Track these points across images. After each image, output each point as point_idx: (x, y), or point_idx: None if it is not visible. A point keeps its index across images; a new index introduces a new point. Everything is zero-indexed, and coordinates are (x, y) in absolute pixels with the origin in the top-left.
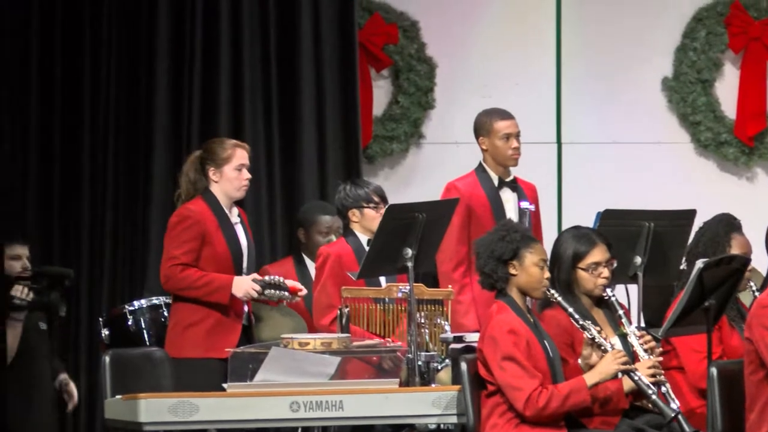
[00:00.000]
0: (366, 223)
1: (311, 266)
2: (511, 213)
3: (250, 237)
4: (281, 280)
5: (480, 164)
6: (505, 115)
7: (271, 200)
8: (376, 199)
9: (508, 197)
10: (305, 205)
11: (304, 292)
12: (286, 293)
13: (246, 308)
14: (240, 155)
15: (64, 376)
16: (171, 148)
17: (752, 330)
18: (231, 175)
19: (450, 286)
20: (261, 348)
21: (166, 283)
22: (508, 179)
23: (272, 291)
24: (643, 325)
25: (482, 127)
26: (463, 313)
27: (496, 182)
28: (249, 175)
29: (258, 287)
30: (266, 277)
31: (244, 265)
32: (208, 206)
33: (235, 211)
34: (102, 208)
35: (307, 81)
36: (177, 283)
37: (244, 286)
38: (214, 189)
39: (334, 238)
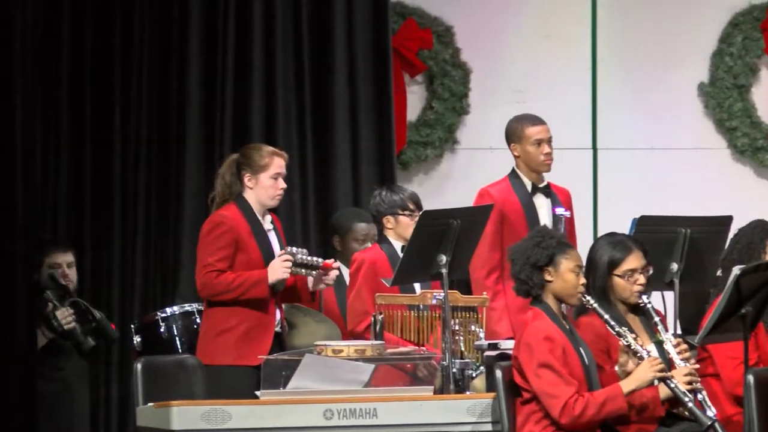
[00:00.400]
0: (400, 230)
1: (346, 273)
2: (545, 219)
3: (284, 244)
4: (304, 250)
5: (513, 170)
6: (537, 120)
7: (304, 206)
8: (411, 206)
9: (541, 203)
10: (340, 211)
11: (337, 264)
12: (316, 259)
13: (279, 315)
14: (277, 163)
15: None
16: (203, 156)
17: None
18: (267, 183)
19: (484, 293)
20: (294, 355)
21: (203, 291)
22: (541, 185)
23: (302, 257)
24: (679, 332)
25: (514, 133)
26: (496, 320)
27: (529, 188)
28: (285, 185)
29: (288, 257)
30: (288, 248)
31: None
32: (241, 213)
33: (268, 217)
34: (134, 215)
35: (341, 87)
36: (213, 289)
37: (275, 269)
38: (248, 195)
39: (369, 245)
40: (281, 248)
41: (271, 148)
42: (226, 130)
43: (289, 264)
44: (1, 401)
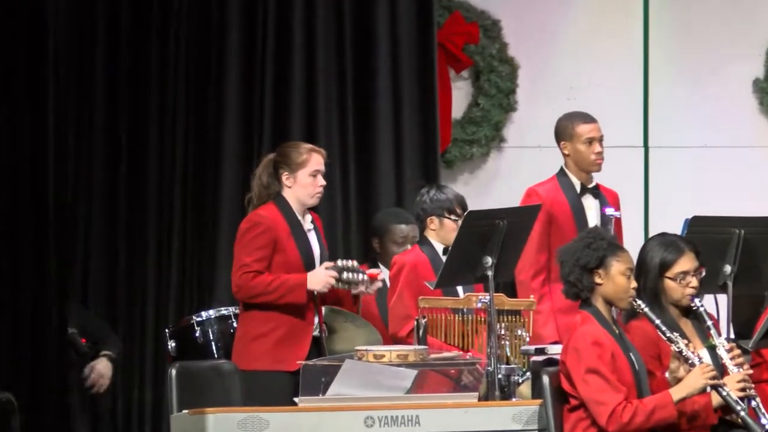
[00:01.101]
0: (443, 233)
1: (386, 276)
2: (593, 220)
3: (324, 244)
4: (355, 264)
5: (561, 169)
6: (588, 118)
7: (345, 207)
8: (459, 210)
9: (590, 204)
10: (379, 212)
11: (383, 275)
12: (363, 275)
13: (317, 319)
14: (316, 160)
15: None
16: (241, 155)
17: None
18: (305, 181)
19: (531, 296)
20: (334, 360)
21: (238, 292)
22: (590, 185)
23: (349, 275)
24: (732, 336)
25: (564, 131)
26: (542, 324)
27: (578, 188)
28: (324, 182)
29: (334, 273)
30: (339, 262)
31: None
32: (280, 212)
33: (309, 217)
34: (169, 216)
35: (384, 83)
36: (249, 291)
37: (320, 277)
38: (287, 194)
39: (409, 247)
40: (321, 249)
41: (309, 145)
42: (265, 130)
43: (333, 280)
44: None
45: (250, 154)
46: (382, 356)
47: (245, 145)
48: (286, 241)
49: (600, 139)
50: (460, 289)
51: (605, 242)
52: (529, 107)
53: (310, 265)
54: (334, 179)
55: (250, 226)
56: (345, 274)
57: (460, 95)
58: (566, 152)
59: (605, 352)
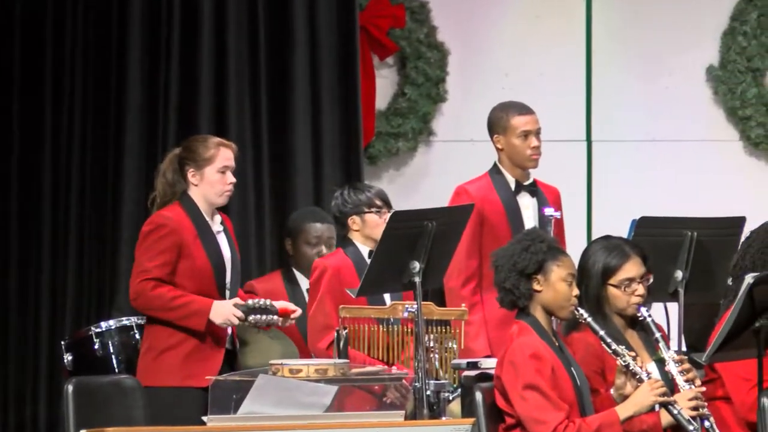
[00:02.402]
0: (368, 230)
1: (302, 281)
2: (530, 221)
3: (236, 248)
4: (269, 303)
5: (495, 165)
6: (524, 109)
7: (258, 207)
8: (378, 202)
9: (526, 203)
10: (295, 212)
11: (298, 312)
12: (275, 317)
13: (230, 331)
14: (224, 155)
15: None
16: (144, 150)
17: None
18: (213, 178)
19: (462, 304)
20: (246, 375)
21: (136, 300)
22: (526, 182)
23: (258, 316)
24: (684, 349)
25: (497, 123)
26: (472, 336)
27: (513, 186)
28: (234, 179)
29: (240, 313)
30: (249, 301)
31: (227, 280)
32: (185, 213)
33: (218, 218)
34: (65, 216)
35: (301, 70)
36: (148, 302)
37: (223, 312)
38: (194, 193)
39: (324, 249)
40: (232, 253)
41: (217, 139)
42: (170, 123)
43: (236, 320)
44: None
45: (153, 149)
46: (299, 371)
47: (148, 140)
48: (193, 244)
49: (537, 133)
50: (387, 296)
51: (545, 245)
52: (460, 97)
53: (220, 271)
54: (246, 177)
55: (152, 228)
56: (252, 317)
57: (385, 84)
58: (500, 146)
59: (545, 366)
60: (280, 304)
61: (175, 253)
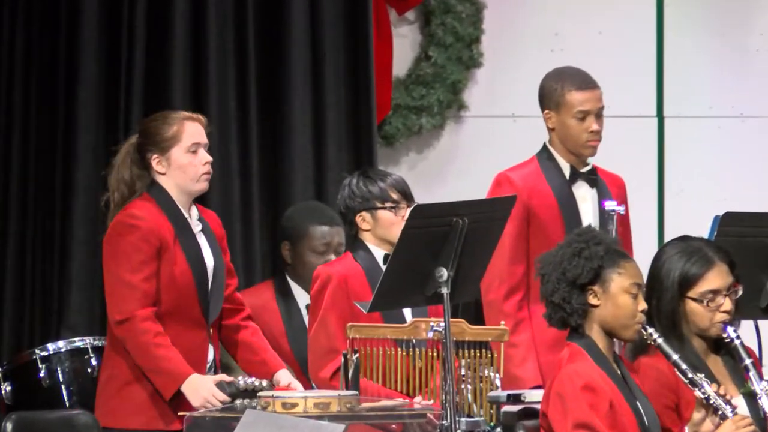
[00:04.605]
0: (381, 231)
1: (300, 295)
2: (589, 217)
3: (221, 252)
4: (265, 384)
5: (545, 147)
6: (585, 82)
7: (245, 200)
8: (395, 196)
9: (584, 194)
10: (291, 208)
11: (294, 386)
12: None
13: (211, 357)
14: (192, 131)
15: None
16: (101, 131)
17: None
18: (183, 161)
19: (502, 322)
20: (230, 411)
21: (123, 324)
22: (584, 169)
23: (245, 401)
24: None
25: (550, 95)
26: (518, 361)
27: (567, 173)
28: (209, 157)
29: (223, 396)
30: (240, 380)
31: (209, 293)
32: (159, 208)
33: (195, 212)
34: (3, 220)
35: (299, 30)
36: (131, 332)
37: (201, 391)
38: (164, 183)
39: (333, 257)
40: (216, 260)
41: (180, 113)
42: (133, 102)
43: (217, 403)
44: None
45: (113, 135)
46: (295, 405)
47: (107, 123)
48: (172, 247)
49: (598, 113)
50: (407, 312)
51: (602, 248)
52: (498, 62)
53: (202, 281)
54: (230, 163)
55: (124, 231)
56: (240, 401)
57: (405, 46)
58: (551, 125)
59: (601, 400)
60: (288, 378)
61: (156, 263)
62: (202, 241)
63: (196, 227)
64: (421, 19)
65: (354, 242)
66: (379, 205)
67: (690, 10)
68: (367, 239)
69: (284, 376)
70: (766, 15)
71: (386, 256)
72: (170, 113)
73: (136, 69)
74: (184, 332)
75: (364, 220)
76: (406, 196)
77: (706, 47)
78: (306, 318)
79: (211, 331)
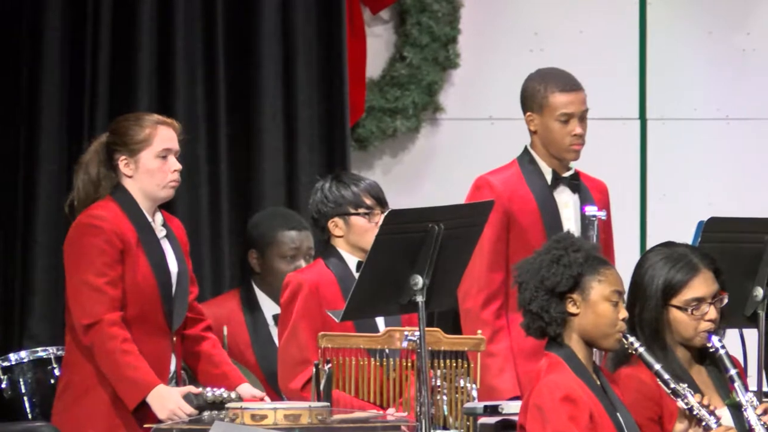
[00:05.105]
0: (354, 237)
1: (267, 306)
2: (571, 223)
3: (185, 259)
4: (233, 396)
5: (526, 151)
6: (569, 84)
7: (213, 205)
8: (369, 201)
9: (566, 200)
10: (257, 215)
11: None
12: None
13: (174, 365)
14: (164, 136)
15: None
16: (64, 132)
17: None
18: (151, 166)
19: (479, 331)
20: (197, 423)
21: (91, 327)
22: (566, 174)
23: (213, 413)
24: (766, 389)
25: (532, 97)
26: (496, 372)
27: (549, 178)
28: (179, 165)
29: (190, 409)
30: (208, 392)
31: (172, 301)
32: (122, 211)
33: (160, 218)
34: None
35: (269, 28)
36: (101, 337)
37: (167, 404)
38: (129, 187)
39: (304, 264)
40: (181, 267)
41: (154, 116)
42: (99, 104)
43: (183, 416)
44: None
45: (77, 135)
46: (264, 417)
47: (70, 121)
48: (135, 252)
49: (582, 116)
50: (380, 321)
51: (581, 255)
52: (476, 63)
53: (165, 287)
54: (198, 166)
55: (86, 232)
56: (208, 413)
57: (379, 45)
58: (533, 128)
59: (580, 412)
60: (250, 390)
61: (120, 266)
62: (166, 246)
63: (160, 233)
64: (395, 19)
65: (326, 249)
66: (353, 210)
67: (674, 10)
68: (340, 246)
69: (246, 390)
70: (751, 15)
71: (359, 264)
72: (144, 115)
73: (101, 71)
74: (147, 339)
75: (336, 226)
76: (381, 201)
77: (690, 48)
78: (273, 329)
79: (174, 339)
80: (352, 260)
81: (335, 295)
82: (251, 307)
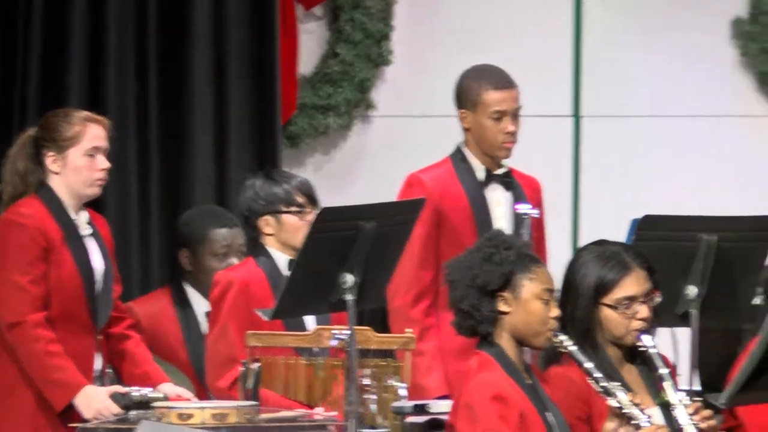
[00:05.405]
0: (285, 235)
1: (198, 303)
2: (502, 220)
3: (110, 258)
4: (161, 395)
5: (458, 149)
6: (503, 81)
7: (143, 202)
8: (300, 199)
9: (498, 198)
10: (187, 214)
11: (187, 396)
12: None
13: (100, 363)
14: (93, 134)
15: None
16: None
17: None
18: (79, 163)
19: (409, 329)
20: (124, 423)
21: (14, 328)
22: (498, 171)
23: (141, 412)
24: (697, 388)
25: (466, 94)
26: (424, 370)
27: (481, 175)
28: (107, 164)
29: (117, 409)
30: (134, 391)
31: (96, 299)
32: (46, 209)
33: (85, 216)
34: None
35: (201, 25)
36: (25, 339)
37: (94, 403)
38: (55, 183)
39: (235, 262)
40: (107, 265)
41: (83, 113)
42: (29, 101)
43: (110, 415)
44: None
45: (6, 126)
46: (191, 416)
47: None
48: (59, 250)
49: (515, 113)
50: (310, 320)
51: (513, 253)
52: (409, 60)
53: (89, 286)
54: (127, 163)
55: (10, 230)
56: (135, 413)
57: (311, 42)
58: (466, 125)
59: (511, 411)
60: (172, 389)
61: (44, 264)
62: (91, 245)
63: (85, 231)
64: (328, 15)
65: (256, 247)
66: (284, 209)
67: (608, 7)
68: (270, 244)
69: (169, 389)
70: (685, 13)
71: (290, 262)
72: (73, 111)
73: (32, 67)
74: (71, 338)
75: (267, 224)
76: (312, 199)
77: (624, 45)
78: (204, 326)
79: (99, 338)
80: (282, 258)
81: (265, 294)
82: (182, 304)
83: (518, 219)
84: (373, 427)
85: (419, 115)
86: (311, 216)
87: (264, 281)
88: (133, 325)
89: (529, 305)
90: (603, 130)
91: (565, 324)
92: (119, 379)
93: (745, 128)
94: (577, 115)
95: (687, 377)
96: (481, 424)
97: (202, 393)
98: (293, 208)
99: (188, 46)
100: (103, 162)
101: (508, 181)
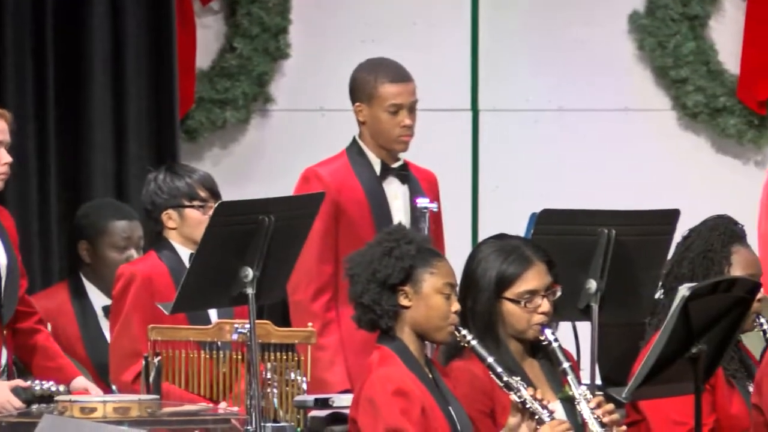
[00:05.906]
0: (187, 229)
1: (96, 297)
2: (400, 214)
3: (15, 251)
4: (62, 389)
5: (354, 141)
6: (399, 75)
7: (42, 196)
8: (202, 193)
9: (395, 191)
10: (85, 206)
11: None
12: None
13: (5, 356)
14: None
15: None
16: None
17: (764, 393)
18: None
19: (309, 323)
20: (26, 417)
21: None
22: (395, 165)
23: (44, 405)
24: (598, 382)
25: (361, 87)
26: (326, 364)
27: (378, 169)
28: (9, 158)
29: (19, 403)
30: (36, 386)
31: (1, 294)
32: None
33: None
34: None
35: (98, 20)
36: None
37: None
38: None
39: (135, 254)
40: (10, 260)
41: None
42: None
43: (12, 410)
44: None
45: None
46: (93, 410)
47: None
48: None
49: (411, 107)
50: (212, 313)
51: (413, 247)
52: (307, 54)
53: None
54: (26, 157)
55: None
56: (37, 407)
57: (209, 36)
58: (362, 119)
59: (412, 406)
60: (81, 384)
61: None
62: None
63: None
64: (226, 9)
65: (158, 240)
66: (187, 203)
67: (505, 0)
68: (173, 238)
69: (81, 383)
70: (584, 6)
71: (192, 256)
72: None
73: None
74: None
75: (170, 218)
76: (214, 193)
77: (522, 39)
78: (102, 321)
79: (5, 332)
80: (185, 252)
81: (168, 287)
82: (80, 298)
83: (417, 213)
84: (275, 421)
85: (318, 108)
86: (213, 209)
87: (167, 275)
88: (42, 320)
89: (430, 300)
90: (501, 124)
91: (466, 318)
92: (23, 374)
93: (642, 122)
94: (475, 109)
95: (589, 371)
96: (383, 419)
97: (102, 388)
98: (195, 203)
99: (86, 40)
100: (5, 156)
101: (405, 174)
